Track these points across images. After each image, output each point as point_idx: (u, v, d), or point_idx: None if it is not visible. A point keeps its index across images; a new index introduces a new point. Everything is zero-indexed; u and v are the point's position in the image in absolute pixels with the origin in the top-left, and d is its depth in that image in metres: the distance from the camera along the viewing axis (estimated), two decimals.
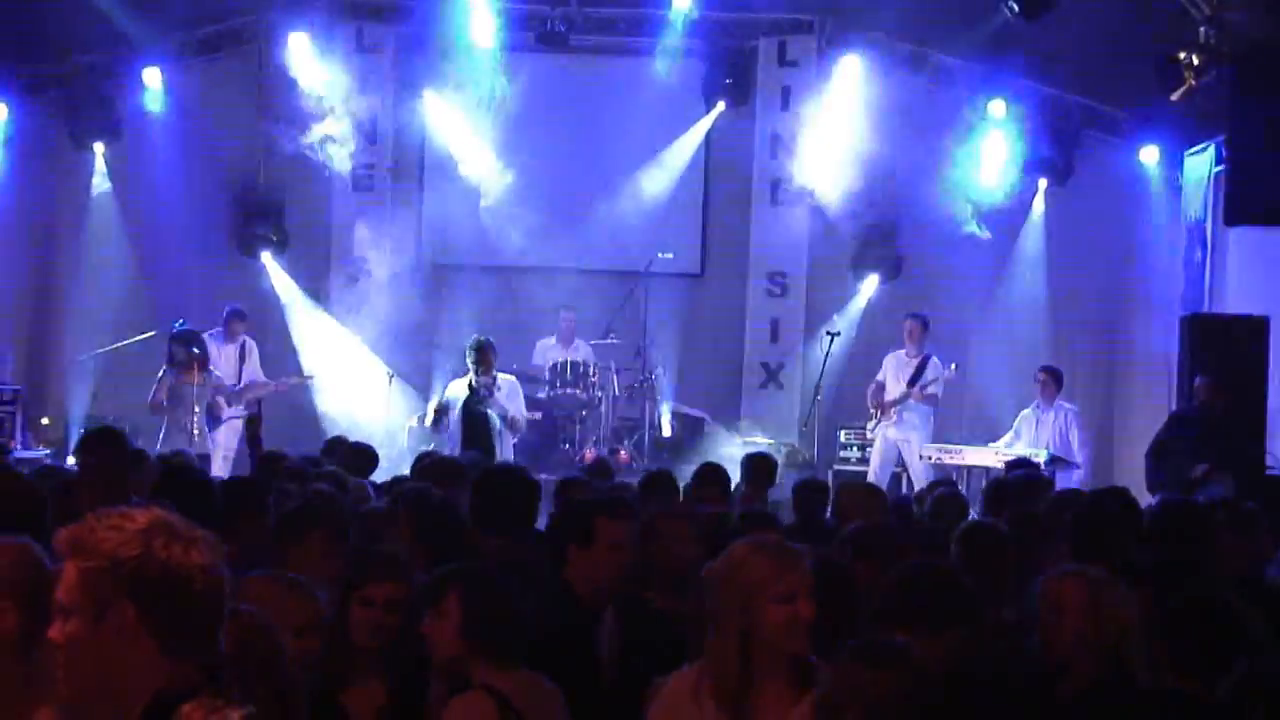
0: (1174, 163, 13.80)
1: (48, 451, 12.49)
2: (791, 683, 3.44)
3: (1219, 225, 12.56)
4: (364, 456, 8.12)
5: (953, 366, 12.69)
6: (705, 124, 14.57)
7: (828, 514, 7.00)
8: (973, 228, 13.82)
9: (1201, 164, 13.09)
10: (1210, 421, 10.60)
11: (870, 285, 14.35)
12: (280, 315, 14.23)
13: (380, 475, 8.28)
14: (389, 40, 14.46)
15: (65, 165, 14.18)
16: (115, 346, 13.17)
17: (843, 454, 13.63)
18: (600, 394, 13.23)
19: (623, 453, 13.16)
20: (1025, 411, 12.50)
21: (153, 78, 13.92)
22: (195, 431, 11.13)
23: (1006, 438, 12.47)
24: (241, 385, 12.46)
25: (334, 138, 13.92)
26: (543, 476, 9.09)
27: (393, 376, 13.31)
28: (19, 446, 12.46)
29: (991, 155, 13.92)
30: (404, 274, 14.42)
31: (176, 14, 13.50)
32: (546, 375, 13.07)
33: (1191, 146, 13.28)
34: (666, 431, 13.64)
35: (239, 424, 12.17)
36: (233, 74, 14.35)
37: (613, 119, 14.32)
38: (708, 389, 14.41)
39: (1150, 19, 11.89)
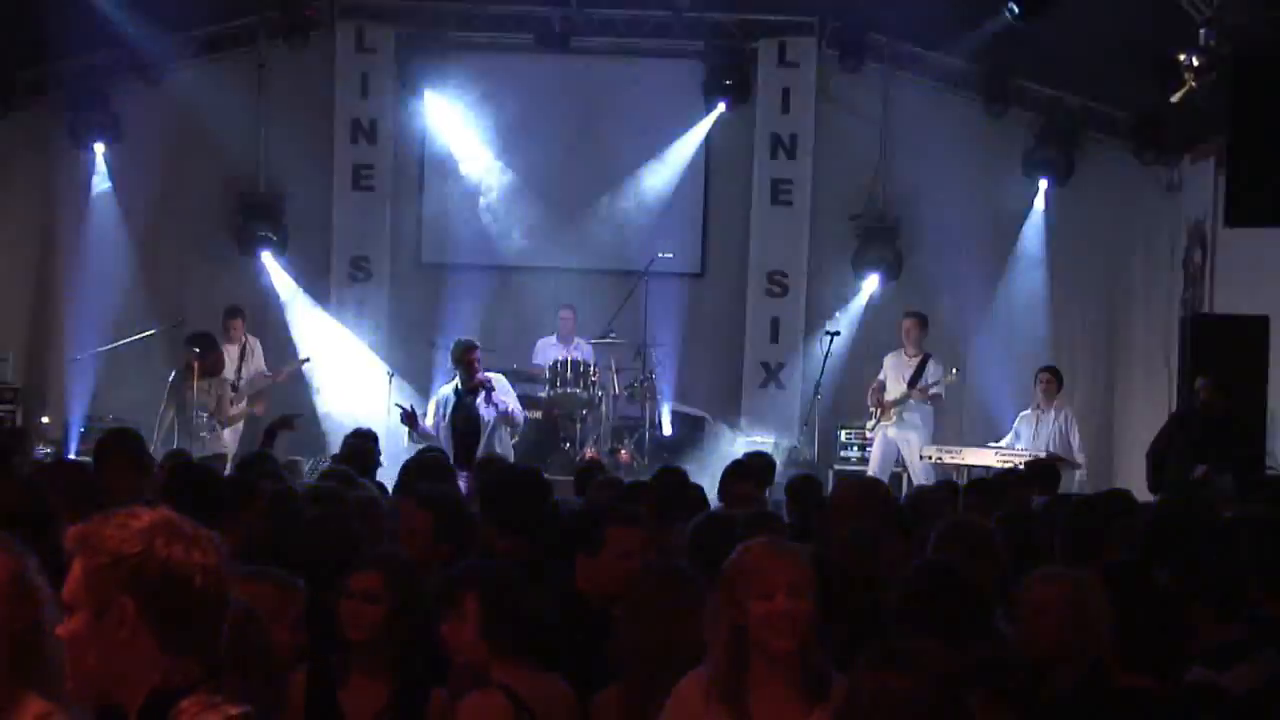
0: (1174, 164, 13.81)
1: (48, 450, 12.48)
2: (799, 690, 3.43)
3: (1219, 226, 12.56)
4: (365, 438, 8.12)
5: (954, 371, 12.68)
6: (705, 124, 14.57)
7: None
8: (986, 224, 13.84)
9: (1201, 165, 13.10)
10: (1210, 421, 10.60)
11: (870, 285, 14.36)
12: (280, 315, 14.24)
13: (380, 475, 8.30)
14: (389, 41, 14.46)
15: (65, 165, 14.18)
16: (114, 345, 13.19)
17: (843, 454, 13.65)
18: (600, 393, 13.23)
19: (623, 452, 13.16)
20: (1025, 412, 12.52)
21: (153, 78, 13.92)
22: (204, 433, 11.19)
23: (1007, 438, 12.49)
24: (243, 383, 12.49)
25: (334, 138, 13.91)
26: (544, 477, 9.14)
27: (393, 376, 13.32)
28: None
29: (991, 156, 13.92)
30: (404, 273, 14.45)
31: (177, 14, 13.50)
32: (546, 374, 13.08)
33: (1191, 148, 13.28)
34: (667, 431, 13.64)
35: (241, 424, 12.21)
36: (233, 74, 14.35)
37: (613, 119, 14.33)
38: (708, 388, 14.42)
39: (1150, 20, 11.88)
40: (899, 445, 12.69)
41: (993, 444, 12.48)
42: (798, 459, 13.19)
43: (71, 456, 11.71)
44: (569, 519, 4.94)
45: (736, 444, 12.78)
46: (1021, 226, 14.26)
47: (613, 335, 13.61)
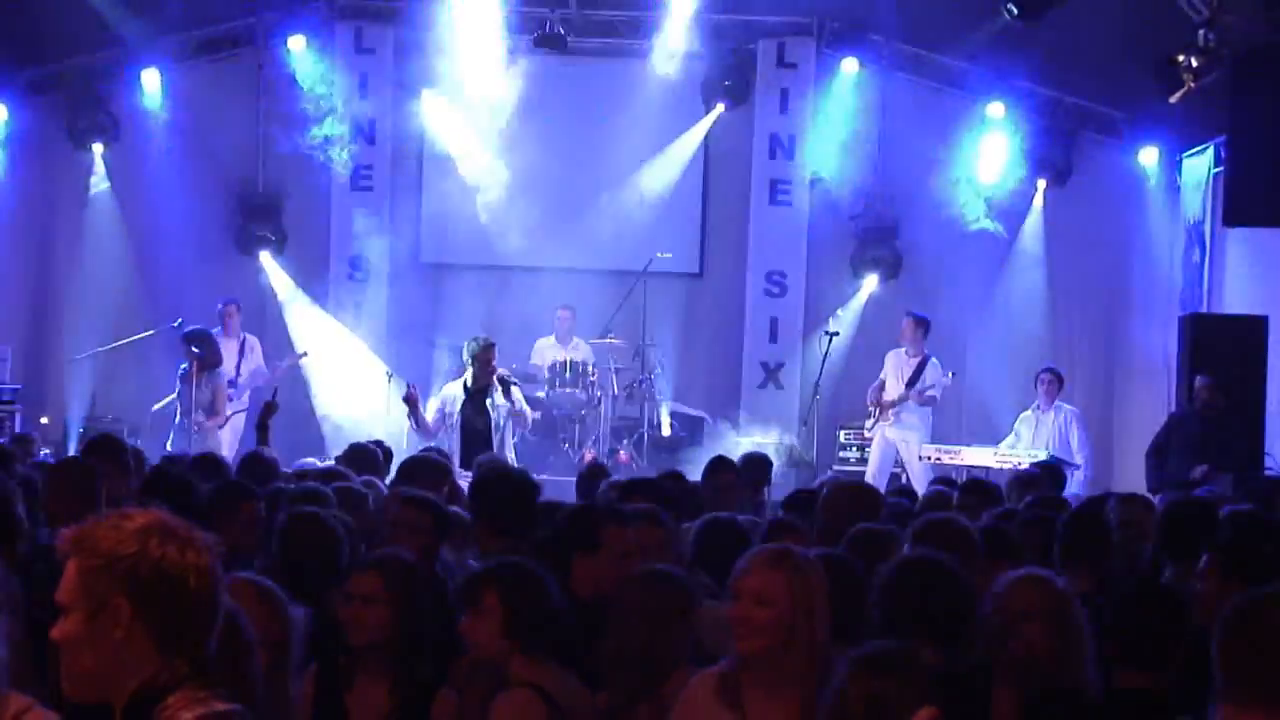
0: (1172, 164, 13.82)
1: (47, 451, 12.47)
2: (789, 691, 3.45)
3: (1217, 226, 12.57)
4: (367, 453, 8.11)
5: (950, 375, 12.68)
6: (704, 125, 14.58)
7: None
8: (985, 224, 13.85)
9: (1200, 165, 13.11)
10: (1210, 421, 10.62)
11: (869, 285, 14.37)
12: (279, 315, 14.24)
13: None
14: (388, 42, 14.47)
15: (64, 165, 14.19)
16: (113, 345, 13.19)
17: (842, 454, 13.65)
18: (599, 393, 13.23)
19: (622, 453, 13.16)
20: (1025, 413, 12.52)
21: (152, 79, 13.94)
22: (195, 430, 11.18)
23: (1008, 440, 12.48)
24: (241, 381, 12.50)
25: (333, 138, 13.93)
26: (542, 477, 9.14)
27: (392, 376, 13.33)
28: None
29: (990, 156, 13.94)
30: (403, 273, 14.44)
31: (176, 15, 13.50)
32: (545, 375, 13.08)
33: (1190, 148, 13.30)
34: (666, 431, 13.64)
35: (240, 420, 12.22)
36: (232, 75, 14.37)
37: (612, 120, 14.33)
38: (707, 388, 14.43)
39: (1149, 21, 11.90)
40: (898, 446, 12.69)
41: (993, 445, 12.45)
42: (796, 459, 13.19)
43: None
44: (566, 518, 4.94)
45: (735, 444, 12.76)
46: (1020, 226, 14.27)
47: (611, 335, 13.60)
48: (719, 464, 7.47)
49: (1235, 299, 12.54)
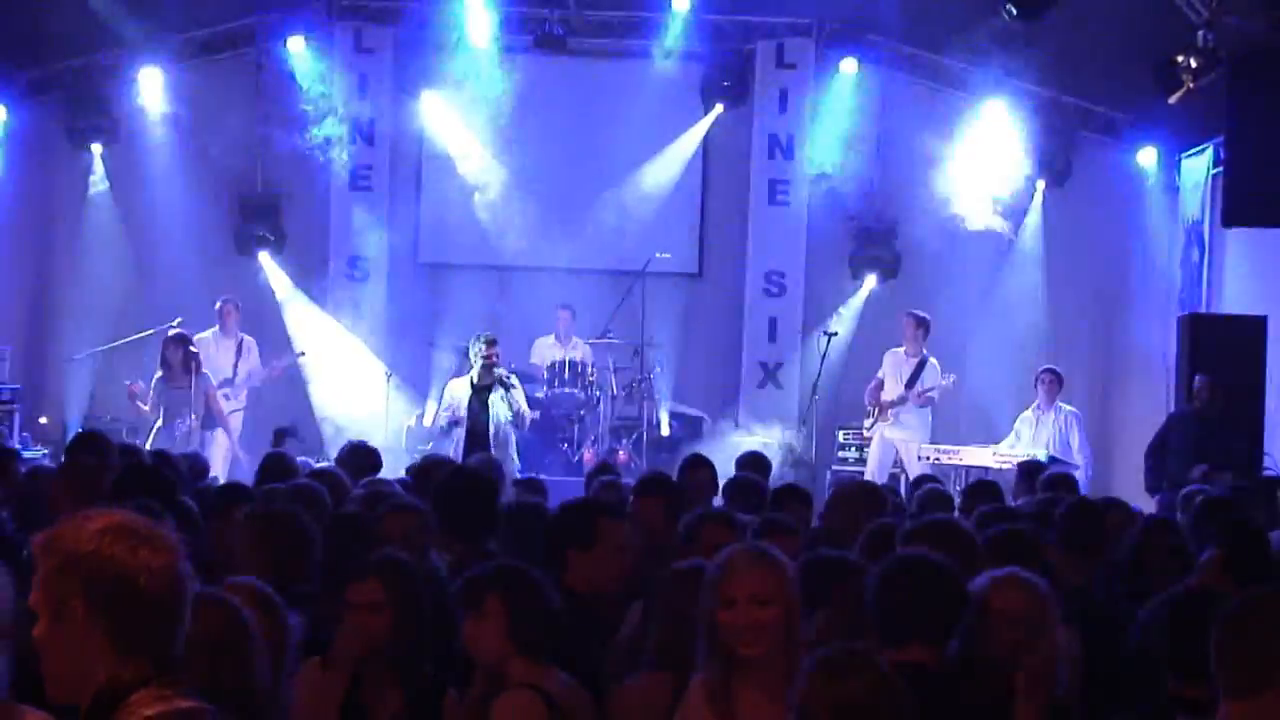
0: (1171, 164, 13.83)
1: (46, 451, 12.48)
2: (782, 692, 3.43)
3: (1216, 226, 12.58)
4: (364, 455, 8.10)
5: (950, 378, 12.67)
6: (703, 125, 14.58)
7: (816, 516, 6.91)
8: (992, 223, 13.86)
9: (1199, 166, 13.12)
10: (1209, 421, 10.62)
11: (868, 285, 14.37)
12: (278, 315, 14.23)
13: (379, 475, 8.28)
14: (387, 42, 14.46)
15: (64, 165, 14.20)
16: (112, 345, 13.19)
17: (841, 454, 13.64)
18: (598, 393, 13.24)
19: (621, 452, 13.16)
20: (1025, 413, 12.51)
21: (151, 79, 13.92)
22: (184, 432, 11.13)
23: (1008, 440, 12.47)
24: (238, 380, 12.48)
25: (332, 138, 13.94)
26: (542, 477, 9.16)
27: (391, 376, 13.33)
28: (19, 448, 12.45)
29: (990, 156, 13.93)
30: (402, 273, 14.45)
31: (175, 15, 13.50)
32: (544, 374, 13.08)
33: (1189, 149, 13.31)
34: (665, 431, 13.65)
35: (239, 419, 12.20)
36: (231, 75, 14.35)
37: (611, 120, 14.32)
38: (706, 388, 14.43)
39: (1148, 22, 11.90)
40: (897, 446, 12.69)
41: (993, 445, 12.45)
42: (795, 459, 13.19)
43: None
44: (560, 514, 4.92)
45: (734, 444, 12.76)
46: (1019, 226, 14.27)
47: (610, 335, 13.61)
48: (695, 461, 7.50)
49: (1234, 299, 12.55)
